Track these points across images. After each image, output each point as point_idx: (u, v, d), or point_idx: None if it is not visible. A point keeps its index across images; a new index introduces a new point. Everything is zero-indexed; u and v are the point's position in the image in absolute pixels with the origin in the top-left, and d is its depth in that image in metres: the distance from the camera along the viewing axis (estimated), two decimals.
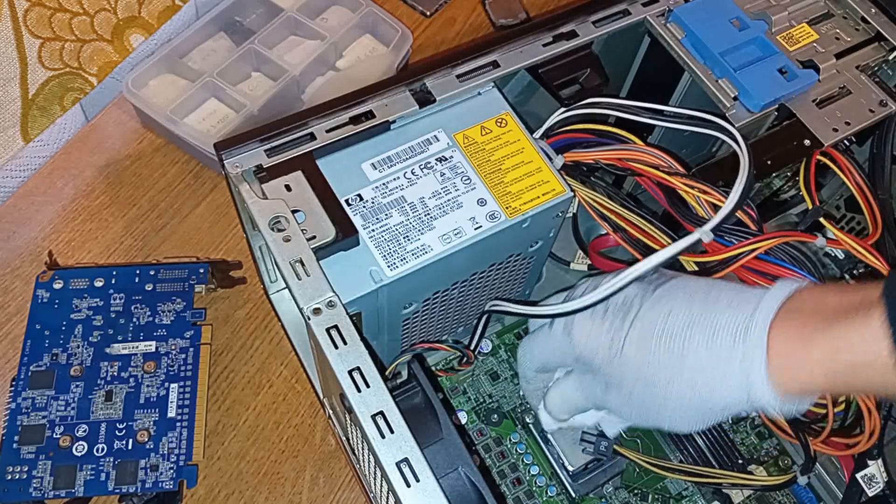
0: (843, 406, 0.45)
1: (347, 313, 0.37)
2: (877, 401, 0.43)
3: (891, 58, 0.51)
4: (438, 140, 0.45)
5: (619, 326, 0.41)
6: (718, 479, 0.50)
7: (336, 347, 0.36)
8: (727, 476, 0.50)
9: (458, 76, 0.46)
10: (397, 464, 0.34)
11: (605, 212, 0.46)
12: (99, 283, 0.56)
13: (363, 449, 0.39)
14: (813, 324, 0.36)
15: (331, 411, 0.51)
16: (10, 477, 0.49)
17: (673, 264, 0.43)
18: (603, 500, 0.53)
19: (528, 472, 0.54)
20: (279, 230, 0.40)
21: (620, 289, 0.40)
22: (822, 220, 0.45)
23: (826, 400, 0.43)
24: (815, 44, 0.51)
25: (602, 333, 0.41)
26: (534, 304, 0.46)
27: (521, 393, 0.55)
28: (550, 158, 0.45)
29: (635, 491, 0.54)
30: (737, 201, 0.41)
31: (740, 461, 0.53)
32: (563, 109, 0.47)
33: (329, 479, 0.55)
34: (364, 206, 0.42)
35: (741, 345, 0.37)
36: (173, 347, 0.55)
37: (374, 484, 0.42)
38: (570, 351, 0.43)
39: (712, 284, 0.40)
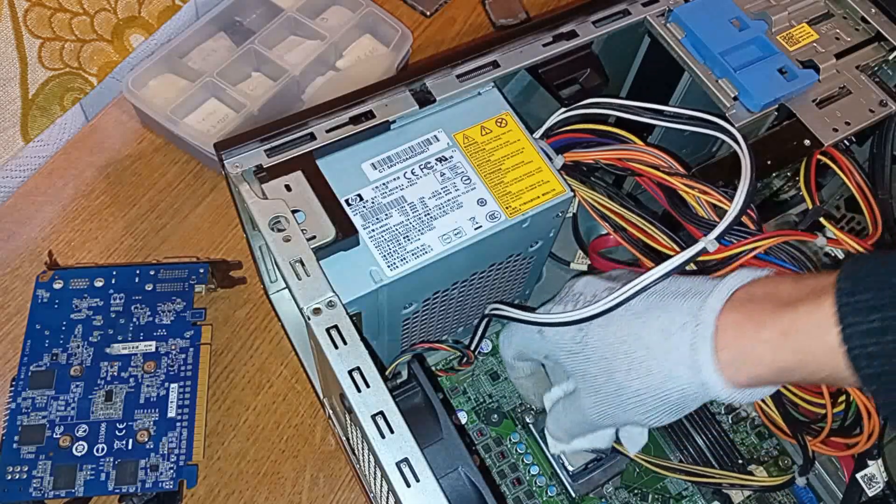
0: (842, 406, 0.45)
1: (347, 313, 0.37)
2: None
3: (891, 58, 0.51)
4: (438, 140, 0.45)
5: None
6: (717, 479, 0.51)
7: (336, 347, 0.36)
8: (726, 476, 0.50)
9: (458, 76, 0.46)
10: (397, 464, 0.34)
11: (605, 211, 0.46)
12: (99, 283, 0.56)
13: (363, 449, 0.39)
14: (763, 311, 0.36)
15: (331, 411, 0.51)
16: (10, 477, 0.49)
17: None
18: (603, 500, 0.53)
19: (528, 472, 0.54)
20: (279, 230, 0.40)
21: (623, 301, 0.40)
22: (822, 219, 0.45)
23: (825, 400, 0.43)
24: (815, 44, 0.51)
25: (569, 327, 0.42)
26: (534, 310, 0.46)
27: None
28: (550, 158, 0.45)
29: (635, 491, 0.54)
30: (741, 207, 0.41)
31: (740, 461, 0.53)
32: (563, 109, 0.47)
33: (329, 479, 0.55)
34: (364, 206, 0.42)
35: (691, 331, 0.37)
36: (173, 347, 0.55)
37: (374, 484, 0.42)
38: (542, 344, 0.44)
39: (676, 277, 0.40)
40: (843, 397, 0.44)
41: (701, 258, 0.42)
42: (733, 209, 0.41)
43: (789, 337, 0.34)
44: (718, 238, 0.41)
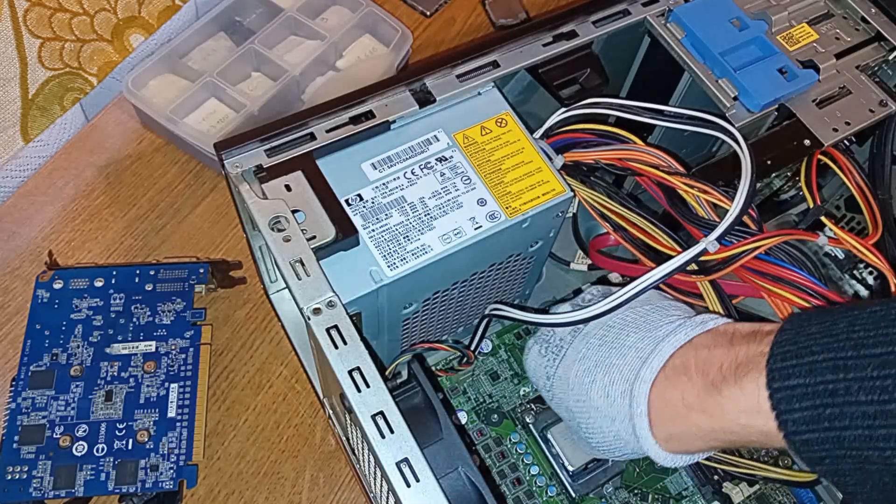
0: None
1: (347, 313, 0.37)
2: None
3: (891, 58, 0.51)
4: (438, 140, 0.45)
5: (550, 364, 0.45)
6: (745, 468, 0.50)
7: (336, 347, 0.36)
8: (752, 466, 0.49)
9: (458, 76, 0.46)
10: (397, 464, 0.34)
11: (605, 211, 0.46)
12: (99, 283, 0.56)
13: (363, 449, 0.39)
14: (692, 390, 0.36)
15: (331, 411, 0.51)
16: (10, 477, 0.49)
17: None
18: (603, 500, 0.53)
19: (528, 472, 0.54)
20: (279, 230, 0.40)
21: (623, 303, 0.41)
22: (822, 219, 0.45)
23: None
24: (815, 44, 0.51)
25: (540, 369, 0.46)
26: (534, 310, 0.46)
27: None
28: (550, 158, 0.45)
29: (635, 491, 0.54)
30: (742, 207, 0.41)
31: None
32: (563, 109, 0.47)
33: (329, 479, 0.55)
34: (364, 206, 0.42)
35: (628, 401, 0.39)
36: (173, 347, 0.55)
37: (374, 484, 0.42)
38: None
39: (627, 322, 0.41)
40: None
41: (702, 258, 0.42)
42: (734, 209, 0.41)
43: (718, 420, 0.35)
44: (719, 239, 0.41)
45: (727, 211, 0.41)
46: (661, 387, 0.38)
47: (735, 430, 0.35)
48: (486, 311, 0.49)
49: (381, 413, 0.35)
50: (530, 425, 0.55)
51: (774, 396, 0.32)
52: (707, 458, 0.50)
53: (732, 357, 0.35)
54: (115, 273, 0.57)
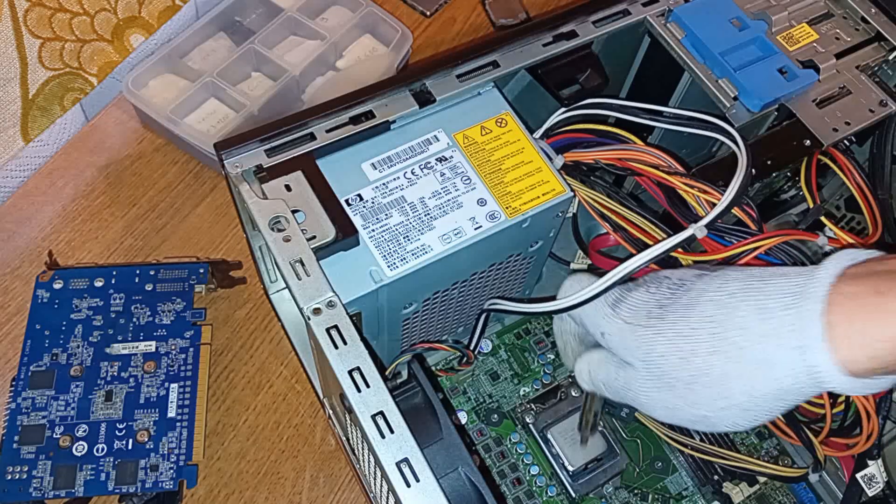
0: (842, 406, 0.45)
1: (347, 313, 0.37)
2: (876, 403, 0.43)
3: (891, 58, 0.51)
4: (438, 140, 0.45)
5: (667, 296, 0.37)
6: (734, 461, 0.50)
7: (336, 347, 0.36)
8: (741, 459, 0.49)
9: (458, 76, 0.46)
10: (397, 464, 0.34)
11: (605, 211, 0.46)
12: (99, 283, 0.56)
13: (363, 449, 0.39)
14: (888, 281, 0.29)
15: (331, 411, 0.51)
16: (10, 477, 0.49)
17: (672, 264, 0.43)
18: (603, 500, 0.53)
19: (528, 472, 0.54)
20: (279, 230, 0.40)
21: (613, 284, 0.40)
22: (822, 219, 0.45)
23: (824, 400, 0.43)
24: (815, 44, 0.51)
25: (650, 301, 0.37)
26: (530, 300, 0.46)
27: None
28: (550, 158, 0.45)
29: (635, 491, 0.54)
30: (732, 198, 0.41)
31: None
32: (563, 109, 0.47)
33: (329, 479, 0.55)
34: (364, 206, 0.42)
35: (795, 310, 0.31)
36: (173, 347, 0.55)
37: (374, 484, 0.42)
38: (609, 321, 0.39)
39: (764, 270, 0.35)
40: (842, 398, 0.44)
41: (702, 259, 0.42)
42: (726, 198, 0.41)
43: None
44: (708, 225, 0.41)
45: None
46: (839, 284, 0.31)
47: None
48: (485, 306, 0.49)
49: (381, 413, 0.35)
50: (530, 425, 0.55)
51: None
52: (706, 454, 0.51)
53: None
54: (115, 273, 0.57)
